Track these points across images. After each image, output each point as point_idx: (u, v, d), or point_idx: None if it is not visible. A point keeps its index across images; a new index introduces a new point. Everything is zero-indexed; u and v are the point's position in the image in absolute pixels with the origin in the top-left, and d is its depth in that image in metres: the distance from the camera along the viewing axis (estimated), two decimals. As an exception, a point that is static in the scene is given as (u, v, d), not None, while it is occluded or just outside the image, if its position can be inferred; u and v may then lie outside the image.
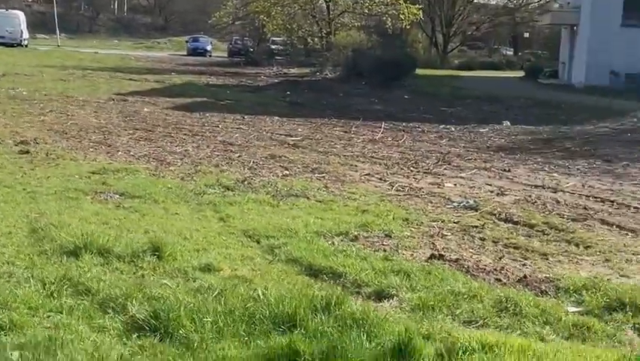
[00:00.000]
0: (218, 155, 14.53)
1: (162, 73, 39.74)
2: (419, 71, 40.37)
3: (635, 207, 10.86)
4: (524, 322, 5.96)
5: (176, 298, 5.99)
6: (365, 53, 38.39)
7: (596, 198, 11.52)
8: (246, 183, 11.73)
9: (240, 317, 5.70)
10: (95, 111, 20.92)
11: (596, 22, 32.49)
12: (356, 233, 8.68)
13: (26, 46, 58.70)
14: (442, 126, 21.06)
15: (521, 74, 44.44)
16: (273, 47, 54.30)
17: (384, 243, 8.36)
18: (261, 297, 6.05)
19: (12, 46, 55.97)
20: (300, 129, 19.27)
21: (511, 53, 63.65)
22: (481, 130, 20.35)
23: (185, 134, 17.27)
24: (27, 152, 13.35)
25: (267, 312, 5.72)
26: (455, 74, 44.95)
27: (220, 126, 19.17)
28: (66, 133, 16.34)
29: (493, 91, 31.77)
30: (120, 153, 14.19)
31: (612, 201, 11.24)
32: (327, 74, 41.35)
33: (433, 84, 35.43)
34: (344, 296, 6.00)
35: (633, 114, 22.47)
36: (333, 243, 8.28)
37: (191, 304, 5.84)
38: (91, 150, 14.32)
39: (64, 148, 14.22)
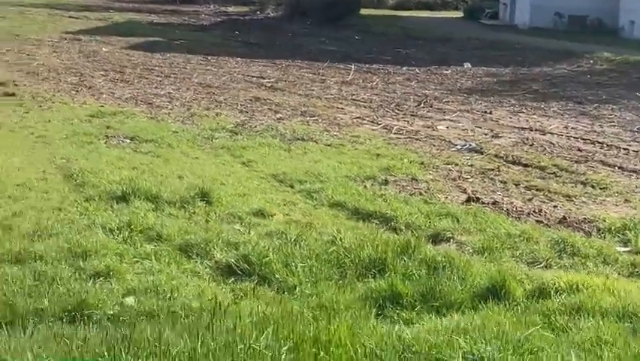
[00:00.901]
0: (202, 97, 14.47)
1: (99, 10, 38.53)
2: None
3: (624, 149, 11.36)
4: (585, 262, 6.33)
5: (257, 243, 6.14)
6: (310, -9, 38.04)
7: (584, 140, 11.99)
8: (246, 126, 11.80)
9: (327, 261, 5.91)
10: (54, 51, 20.40)
11: (540, -37, 32.98)
12: (384, 177, 8.92)
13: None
14: (405, 68, 21.25)
15: (458, 14, 44.77)
16: (209, -17, 53.10)
17: (415, 186, 8.63)
18: (338, 242, 6.25)
19: None
20: (269, 71, 19.21)
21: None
22: (445, 72, 20.64)
23: (157, 76, 17.07)
24: (13, 94, 13.08)
25: (352, 256, 5.94)
26: (394, 13, 44.93)
27: (188, 68, 18.96)
28: (38, 75, 15.95)
29: (440, 32, 32.06)
30: (105, 95, 14.00)
31: (601, 143, 11.72)
32: (269, 13, 40.91)
33: (378, 24, 35.49)
34: (419, 241, 6.25)
35: (589, 56, 23.14)
36: (365, 187, 8.50)
37: (277, 250, 6.00)
38: (74, 92, 14.08)
39: (47, 90, 13.94)
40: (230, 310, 4.49)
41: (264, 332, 3.85)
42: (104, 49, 21.77)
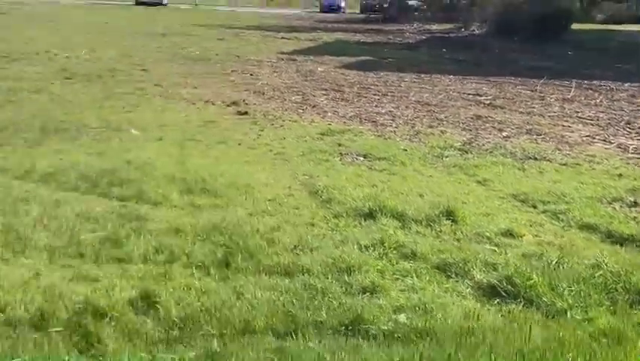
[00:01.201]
0: (423, 115, 14.48)
1: (307, 31, 39.91)
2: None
3: None
4: None
5: (518, 265, 6.01)
6: (517, 6, 37.36)
7: None
8: (473, 145, 11.66)
9: (594, 286, 5.68)
10: (274, 71, 21.23)
11: None
12: (632, 199, 8.50)
13: (166, 5, 60.31)
14: (627, 84, 20.30)
15: (676, 27, 42.22)
16: (411, 2, 53.60)
17: (671, 210, 8.15)
18: (603, 266, 6.00)
19: (154, 5, 57.67)
20: (484, 88, 18.97)
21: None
22: (673, 88, 19.50)
23: (374, 95, 17.29)
24: (245, 113, 13.69)
25: (622, 282, 5.68)
26: (605, 27, 43.16)
27: (403, 86, 19.10)
28: (263, 94, 16.62)
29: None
30: (329, 114, 14.34)
31: None
32: (474, 30, 40.58)
33: (592, 39, 34.18)
34: (693, 267, 5.88)
35: None
36: (614, 208, 8.13)
37: (540, 272, 5.84)
38: (300, 110, 14.53)
39: (275, 109, 14.49)
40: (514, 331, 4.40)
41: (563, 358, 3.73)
42: (319, 68, 22.41)
